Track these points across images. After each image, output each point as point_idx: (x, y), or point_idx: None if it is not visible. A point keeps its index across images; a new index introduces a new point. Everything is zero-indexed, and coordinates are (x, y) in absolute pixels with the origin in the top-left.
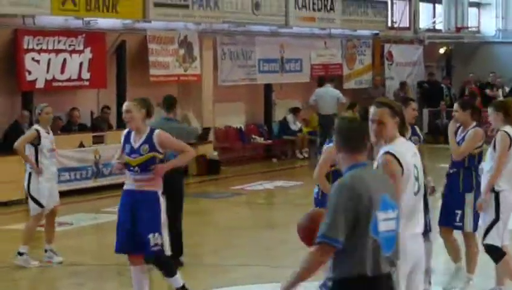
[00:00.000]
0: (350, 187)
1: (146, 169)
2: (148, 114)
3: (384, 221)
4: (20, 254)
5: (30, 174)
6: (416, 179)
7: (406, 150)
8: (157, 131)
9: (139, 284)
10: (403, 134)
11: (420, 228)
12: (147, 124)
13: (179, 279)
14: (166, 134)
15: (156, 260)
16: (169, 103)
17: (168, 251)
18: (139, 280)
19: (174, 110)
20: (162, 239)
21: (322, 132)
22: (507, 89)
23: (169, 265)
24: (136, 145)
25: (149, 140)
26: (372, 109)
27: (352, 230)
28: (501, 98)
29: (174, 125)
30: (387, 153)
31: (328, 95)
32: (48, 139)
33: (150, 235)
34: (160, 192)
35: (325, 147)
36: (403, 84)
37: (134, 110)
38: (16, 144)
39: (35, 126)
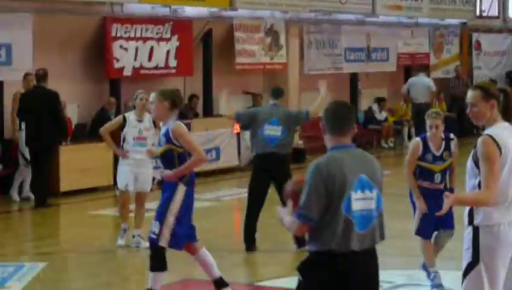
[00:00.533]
0: (324, 168)
1: (164, 161)
2: (174, 105)
3: (358, 200)
4: (133, 236)
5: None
6: None
7: (508, 134)
8: (174, 124)
9: (205, 269)
10: (507, 119)
11: None
12: (172, 116)
13: (156, 279)
14: (182, 130)
15: (150, 247)
16: (276, 91)
17: (163, 243)
18: (202, 265)
19: (281, 98)
20: (159, 229)
21: (415, 120)
22: None
23: (155, 258)
24: (159, 136)
25: (167, 132)
26: (468, 92)
27: (325, 208)
28: None
29: (280, 111)
30: (486, 134)
31: (421, 84)
32: (136, 127)
33: (153, 222)
34: (183, 182)
35: (411, 141)
36: (492, 81)
37: (156, 102)
38: (101, 129)
39: (126, 113)
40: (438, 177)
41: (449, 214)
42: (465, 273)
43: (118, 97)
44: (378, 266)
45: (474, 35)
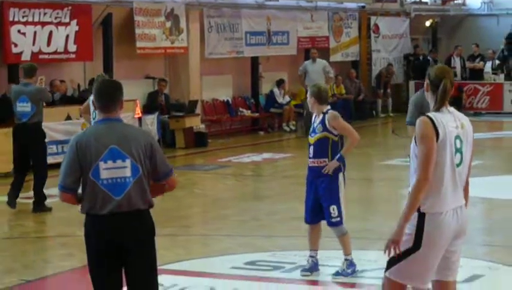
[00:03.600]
0: (78, 141)
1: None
2: None
3: (107, 169)
4: None
5: None
6: (459, 151)
7: (451, 118)
8: None
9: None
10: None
11: (461, 201)
12: None
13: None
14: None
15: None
16: (29, 70)
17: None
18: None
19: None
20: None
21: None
22: (497, 62)
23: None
24: None
25: None
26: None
27: (80, 176)
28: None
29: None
30: (425, 115)
31: (316, 68)
32: None
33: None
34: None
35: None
36: (389, 65)
37: None
38: (81, 109)
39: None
40: (311, 150)
41: (326, 211)
42: (404, 255)
43: (17, 82)
44: (143, 227)
45: (373, 19)
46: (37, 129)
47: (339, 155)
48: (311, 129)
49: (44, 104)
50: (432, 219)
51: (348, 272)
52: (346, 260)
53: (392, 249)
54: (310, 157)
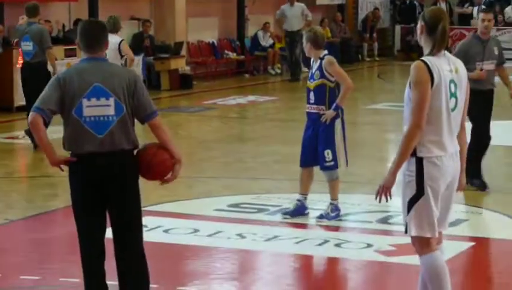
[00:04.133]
0: (59, 76)
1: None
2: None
3: (90, 107)
4: None
5: None
6: (453, 95)
7: (445, 61)
8: None
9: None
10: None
11: (457, 146)
12: None
13: None
14: None
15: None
16: (32, 8)
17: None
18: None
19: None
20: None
21: (289, 48)
22: (483, 7)
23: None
24: None
25: None
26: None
27: (59, 109)
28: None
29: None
30: (421, 60)
31: (294, 12)
32: None
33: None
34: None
35: None
36: (375, 9)
37: None
38: None
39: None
40: (311, 96)
41: (320, 155)
42: (410, 205)
43: (2, 21)
44: (128, 165)
45: None
46: (39, 68)
47: (335, 105)
48: (309, 74)
49: (49, 44)
50: (431, 163)
51: (332, 216)
52: (331, 204)
53: (383, 195)
54: (309, 103)
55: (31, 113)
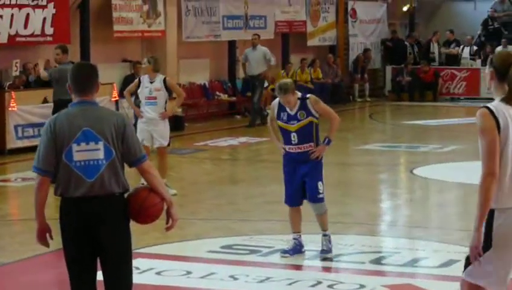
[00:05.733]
0: (52, 123)
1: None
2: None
3: (80, 152)
4: None
5: None
6: None
7: (508, 108)
8: None
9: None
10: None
11: None
12: None
13: None
14: None
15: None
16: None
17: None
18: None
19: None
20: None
21: (252, 91)
22: (474, 48)
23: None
24: None
25: None
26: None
27: (54, 158)
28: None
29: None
30: (485, 106)
31: (256, 56)
32: (147, 88)
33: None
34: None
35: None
36: (366, 50)
37: None
38: (124, 91)
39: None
40: (294, 138)
41: (312, 187)
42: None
43: None
44: (118, 209)
45: (350, 3)
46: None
47: (327, 140)
48: (285, 118)
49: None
50: (501, 215)
51: (330, 247)
52: (325, 235)
53: (476, 256)
54: (292, 144)
55: (36, 176)
